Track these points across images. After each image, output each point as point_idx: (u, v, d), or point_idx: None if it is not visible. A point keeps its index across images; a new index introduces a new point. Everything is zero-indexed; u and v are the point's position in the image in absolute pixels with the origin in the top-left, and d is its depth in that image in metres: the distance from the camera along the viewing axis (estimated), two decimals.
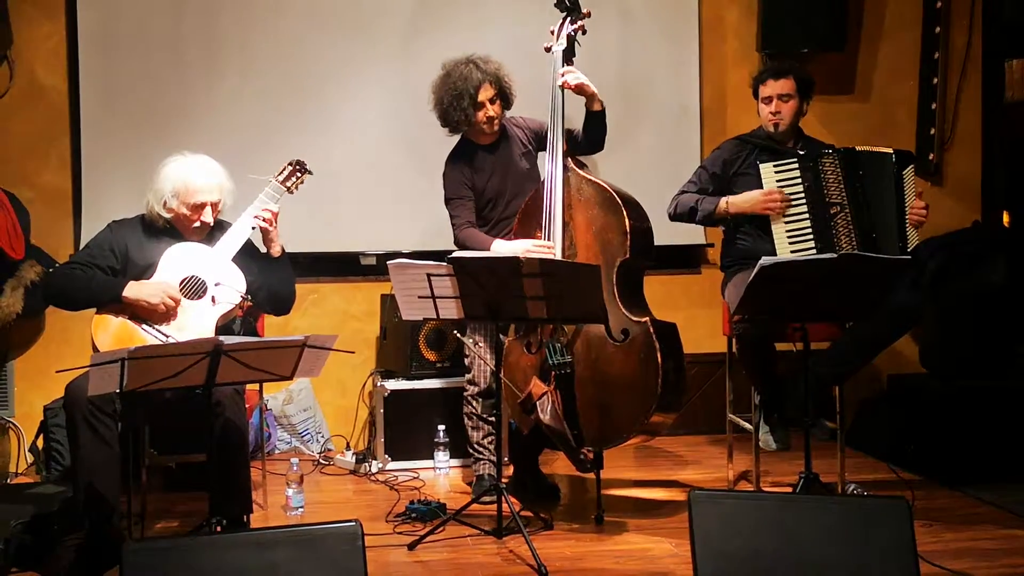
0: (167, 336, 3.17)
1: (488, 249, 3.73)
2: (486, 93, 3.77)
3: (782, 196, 3.62)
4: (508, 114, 3.95)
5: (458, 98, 3.77)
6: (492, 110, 3.80)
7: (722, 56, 5.06)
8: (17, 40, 4.55)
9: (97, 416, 2.99)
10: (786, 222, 3.64)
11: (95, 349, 3.15)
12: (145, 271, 3.28)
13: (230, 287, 3.27)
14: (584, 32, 3.77)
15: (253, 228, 3.36)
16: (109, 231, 3.39)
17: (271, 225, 3.37)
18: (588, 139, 3.81)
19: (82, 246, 4.45)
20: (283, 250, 3.44)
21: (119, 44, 4.60)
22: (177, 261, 3.29)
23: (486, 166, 3.89)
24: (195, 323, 3.23)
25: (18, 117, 4.58)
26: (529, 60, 3.96)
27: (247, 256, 3.38)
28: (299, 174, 3.53)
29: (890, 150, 3.64)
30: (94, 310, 3.24)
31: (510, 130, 3.95)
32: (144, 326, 3.19)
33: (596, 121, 3.76)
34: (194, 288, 3.27)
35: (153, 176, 3.36)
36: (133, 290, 3.18)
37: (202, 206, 3.31)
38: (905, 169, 3.61)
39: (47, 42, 4.60)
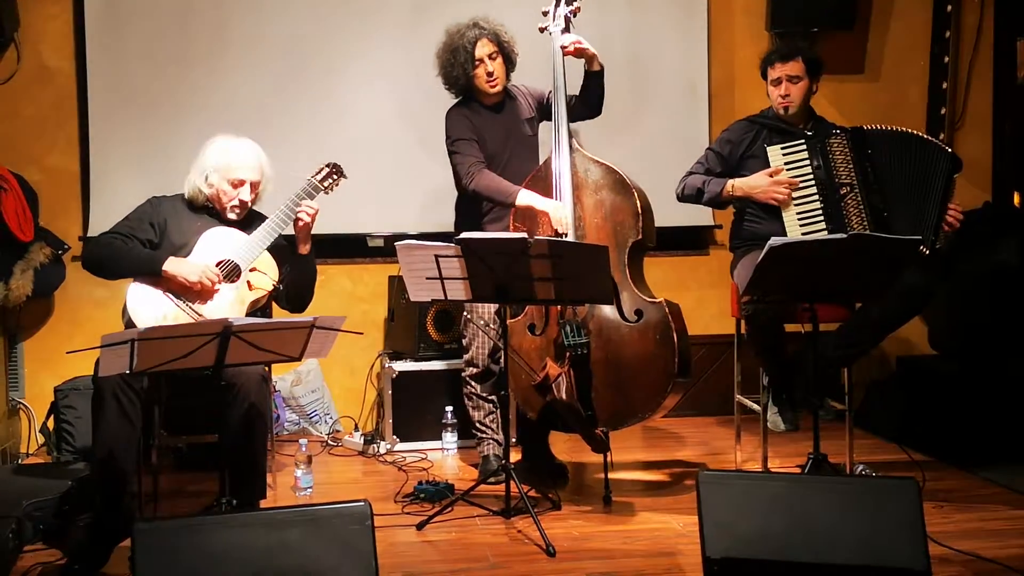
0: (199, 315, 3.22)
1: (512, 196, 3.63)
2: (483, 49, 3.74)
3: (788, 183, 3.59)
4: (511, 82, 3.93)
5: (455, 53, 3.77)
6: (492, 66, 3.76)
7: (731, 35, 5.03)
8: (24, 22, 4.54)
9: (126, 392, 3.00)
10: (796, 204, 3.62)
11: (125, 317, 3.21)
12: (180, 249, 3.31)
13: (264, 274, 3.33)
14: (575, 15, 3.74)
15: (298, 224, 3.39)
16: (149, 205, 3.42)
17: (310, 220, 3.41)
18: (585, 102, 3.79)
19: (90, 228, 4.48)
20: (312, 249, 3.47)
21: (125, 25, 4.59)
22: (214, 243, 3.33)
23: (488, 124, 3.85)
24: (227, 306, 3.27)
25: (26, 99, 4.58)
26: (533, 39, 3.93)
27: (278, 251, 3.42)
28: (335, 176, 3.59)
29: (948, 148, 3.59)
30: (129, 281, 3.27)
31: (516, 95, 3.93)
32: (178, 302, 3.23)
33: (594, 82, 3.74)
34: (229, 271, 3.31)
35: (199, 152, 3.41)
36: (173, 265, 3.22)
37: (241, 183, 3.36)
38: (956, 173, 3.58)
39: (53, 24, 4.60)
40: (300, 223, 3.40)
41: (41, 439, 4.43)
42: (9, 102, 4.57)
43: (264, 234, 3.38)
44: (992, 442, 3.98)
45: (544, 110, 3.87)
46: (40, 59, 4.59)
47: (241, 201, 3.38)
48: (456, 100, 3.91)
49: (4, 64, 4.56)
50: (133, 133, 4.56)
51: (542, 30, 3.77)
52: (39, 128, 4.60)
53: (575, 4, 3.73)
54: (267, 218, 3.42)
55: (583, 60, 3.72)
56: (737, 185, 3.68)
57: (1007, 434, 3.99)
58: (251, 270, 3.33)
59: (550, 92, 3.80)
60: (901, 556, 2.46)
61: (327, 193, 3.56)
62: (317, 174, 3.55)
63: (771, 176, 3.62)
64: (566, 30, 3.73)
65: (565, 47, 3.67)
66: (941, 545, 2.96)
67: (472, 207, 3.85)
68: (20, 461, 4.34)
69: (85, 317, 4.50)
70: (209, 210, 3.42)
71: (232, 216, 3.40)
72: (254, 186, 3.40)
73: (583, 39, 3.68)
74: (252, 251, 3.35)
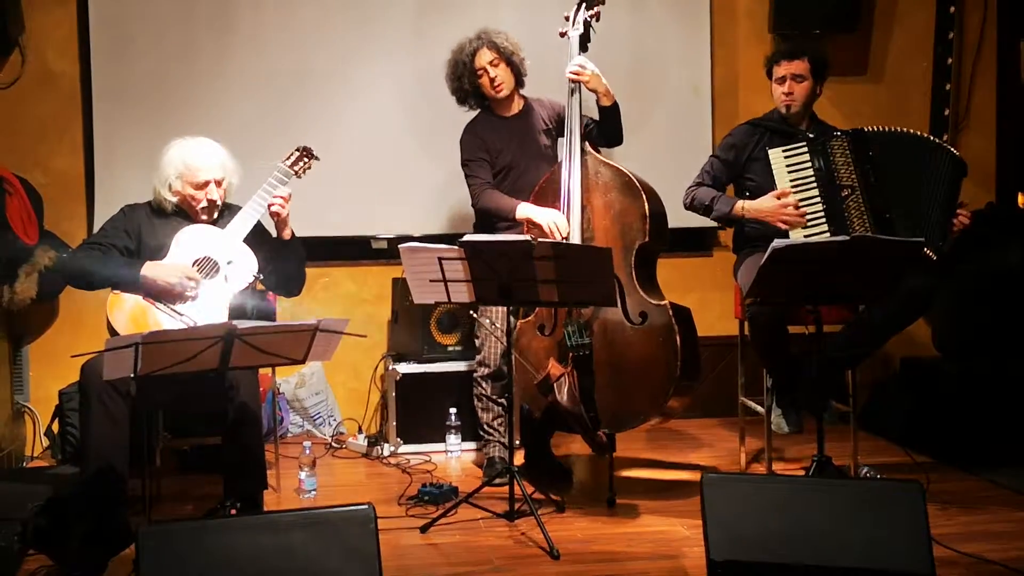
0: (181, 315, 3.22)
1: (513, 211, 3.73)
2: (483, 58, 3.80)
3: (796, 206, 3.57)
4: (532, 94, 3.96)
5: (455, 68, 3.85)
6: (493, 72, 3.80)
7: (734, 37, 5.03)
8: (29, 26, 4.55)
9: (111, 396, 3.01)
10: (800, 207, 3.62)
11: (110, 328, 3.19)
12: (157, 252, 3.32)
13: (242, 266, 3.32)
14: (598, 19, 3.74)
15: (274, 215, 3.38)
16: (123, 214, 3.43)
17: (283, 208, 3.40)
18: (602, 134, 3.81)
19: (95, 230, 4.48)
20: (293, 233, 3.47)
21: (130, 29, 4.61)
22: (189, 242, 3.33)
23: (503, 135, 3.90)
24: (208, 303, 3.27)
25: (31, 103, 4.60)
26: (543, 45, 3.94)
27: (257, 238, 3.41)
28: (306, 159, 3.57)
29: (954, 151, 3.58)
30: (109, 290, 3.27)
31: (534, 107, 3.96)
32: (158, 305, 3.23)
33: (607, 117, 3.75)
34: (207, 268, 3.31)
35: (156, 163, 3.40)
36: (151, 270, 3.22)
37: (205, 184, 3.35)
38: (962, 177, 3.57)
39: (58, 28, 4.61)
40: (274, 213, 3.39)
41: (46, 442, 4.44)
42: (14, 105, 4.58)
43: (239, 226, 3.37)
44: (997, 444, 3.97)
45: (563, 124, 3.82)
46: (45, 63, 4.61)
47: (210, 201, 3.36)
48: (475, 114, 3.95)
49: (9, 68, 4.58)
50: (137, 136, 4.57)
51: (562, 35, 3.77)
52: (44, 131, 4.62)
53: (596, 8, 3.72)
54: (240, 208, 3.41)
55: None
56: (748, 208, 3.68)
57: (1012, 436, 3.98)
58: (228, 263, 3.31)
59: None
60: (905, 559, 2.46)
61: (299, 177, 3.54)
62: (287, 158, 3.53)
63: (778, 199, 3.61)
64: (585, 36, 3.73)
65: (571, 76, 3.64)
66: (945, 547, 2.95)
67: (489, 218, 3.90)
68: (25, 464, 4.36)
69: (89, 320, 4.51)
70: (179, 214, 3.41)
71: (204, 218, 3.39)
72: (219, 183, 3.37)
73: (587, 67, 3.62)
74: (228, 245, 3.34)
